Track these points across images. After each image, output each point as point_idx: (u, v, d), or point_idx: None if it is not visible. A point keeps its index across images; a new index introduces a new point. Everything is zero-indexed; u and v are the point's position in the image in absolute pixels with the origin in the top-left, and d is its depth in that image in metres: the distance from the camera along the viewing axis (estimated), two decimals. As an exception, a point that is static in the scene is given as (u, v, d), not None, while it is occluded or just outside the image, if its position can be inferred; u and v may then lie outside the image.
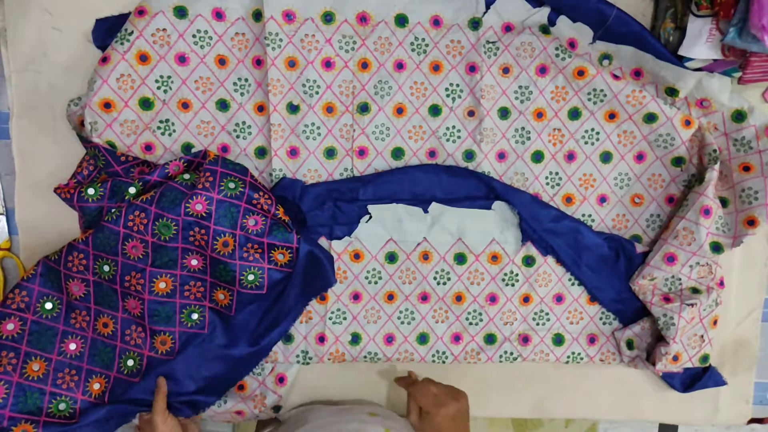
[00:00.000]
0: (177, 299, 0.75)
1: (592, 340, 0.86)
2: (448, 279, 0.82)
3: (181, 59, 0.75)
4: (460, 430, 0.72)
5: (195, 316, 0.76)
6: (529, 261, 0.82)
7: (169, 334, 0.75)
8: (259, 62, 0.77)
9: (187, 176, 0.74)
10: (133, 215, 0.72)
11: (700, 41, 0.73)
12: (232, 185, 0.73)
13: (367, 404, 0.85)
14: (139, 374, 0.76)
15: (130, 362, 0.75)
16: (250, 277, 0.75)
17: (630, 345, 0.84)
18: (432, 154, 0.81)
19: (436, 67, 0.79)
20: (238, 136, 0.78)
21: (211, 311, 0.76)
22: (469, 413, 0.74)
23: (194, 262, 0.75)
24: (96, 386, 0.75)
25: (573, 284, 0.84)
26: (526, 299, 0.84)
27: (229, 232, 0.74)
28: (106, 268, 0.73)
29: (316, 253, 0.78)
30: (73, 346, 0.75)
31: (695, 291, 0.82)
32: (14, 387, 0.71)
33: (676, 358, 0.81)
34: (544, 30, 0.77)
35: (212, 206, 0.72)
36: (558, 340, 0.85)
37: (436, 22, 0.78)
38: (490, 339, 0.84)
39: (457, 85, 0.79)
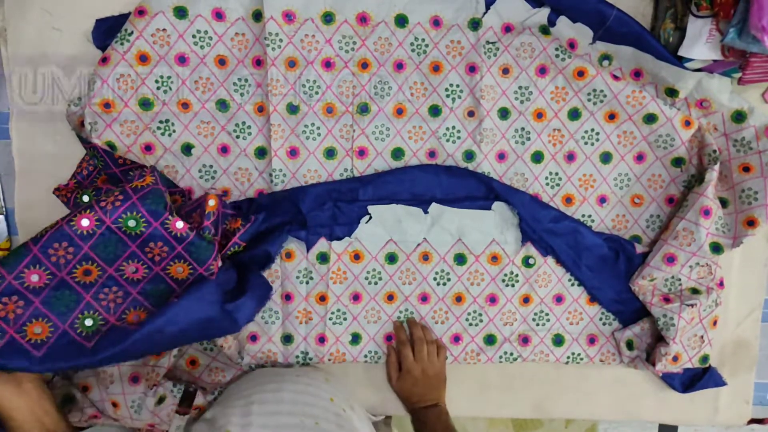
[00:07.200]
0: (88, 296, 0.64)
1: (591, 340, 0.85)
2: (448, 279, 0.82)
3: (181, 59, 0.75)
4: (431, 392, 0.79)
5: (89, 323, 0.64)
6: (529, 261, 0.82)
7: (52, 325, 0.62)
8: (259, 62, 0.77)
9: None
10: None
11: (700, 42, 0.73)
12: (132, 223, 0.64)
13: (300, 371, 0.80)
14: None
15: None
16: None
17: (630, 345, 0.84)
18: (432, 154, 0.81)
19: (436, 68, 0.79)
20: (238, 137, 0.78)
21: (113, 328, 0.64)
22: (445, 379, 0.82)
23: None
24: None
25: (573, 285, 0.84)
26: (526, 300, 0.84)
27: (98, 265, 0.65)
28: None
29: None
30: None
31: (695, 291, 0.82)
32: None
33: (675, 359, 0.81)
34: (544, 30, 0.77)
35: (100, 229, 0.64)
36: (558, 340, 0.85)
37: (436, 22, 0.78)
38: (490, 339, 0.84)
39: (457, 86, 0.79)
